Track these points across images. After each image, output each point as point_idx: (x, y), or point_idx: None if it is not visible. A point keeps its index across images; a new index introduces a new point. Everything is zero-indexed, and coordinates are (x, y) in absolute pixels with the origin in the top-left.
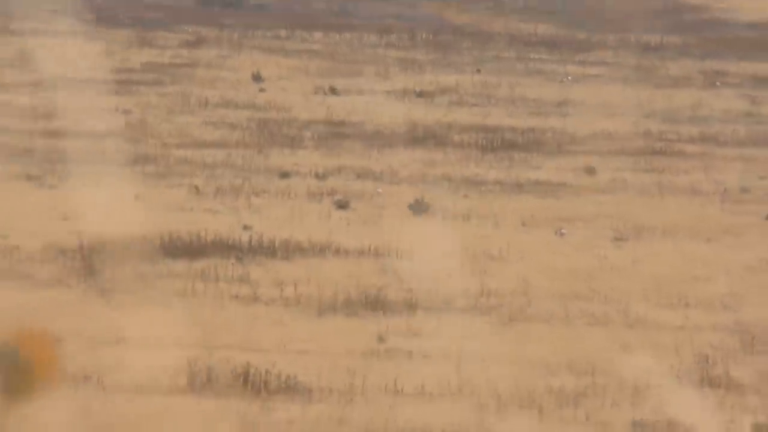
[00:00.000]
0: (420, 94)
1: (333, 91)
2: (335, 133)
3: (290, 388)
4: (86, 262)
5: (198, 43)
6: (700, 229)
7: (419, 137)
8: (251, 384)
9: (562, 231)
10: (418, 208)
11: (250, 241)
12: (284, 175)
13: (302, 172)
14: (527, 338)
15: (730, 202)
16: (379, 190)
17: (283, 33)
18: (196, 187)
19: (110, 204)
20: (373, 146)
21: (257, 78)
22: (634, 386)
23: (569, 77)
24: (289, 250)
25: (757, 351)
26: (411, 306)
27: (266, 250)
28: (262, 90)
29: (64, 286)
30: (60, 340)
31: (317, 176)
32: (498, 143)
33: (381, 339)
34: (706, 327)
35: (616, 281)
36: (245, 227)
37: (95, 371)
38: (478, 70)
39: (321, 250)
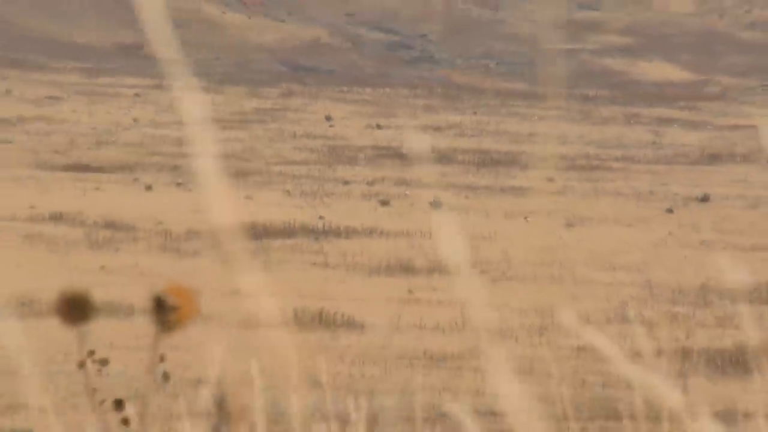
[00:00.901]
0: (437, 129)
1: (378, 126)
2: (380, 154)
3: (349, 324)
4: (213, 240)
5: (289, 94)
6: (622, 218)
7: (435, 157)
8: (324, 321)
9: (529, 219)
10: (435, 204)
11: (323, 226)
12: (345, 182)
13: (357, 181)
14: (508, 292)
15: (642, 200)
16: (407, 193)
17: (345, 88)
18: (288, 191)
19: (229, 202)
20: (404, 163)
21: (328, 118)
22: (578, 322)
23: (536, 117)
24: (349, 233)
25: (661, 300)
26: (430, 270)
27: (334, 232)
28: (331, 126)
29: (200, 257)
30: (196, 292)
31: (368, 183)
32: (488, 161)
33: (410, 291)
34: (627, 283)
35: (568, 253)
36: (320, 217)
37: (220, 313)
38: (475, 113)
39: (370, 232)
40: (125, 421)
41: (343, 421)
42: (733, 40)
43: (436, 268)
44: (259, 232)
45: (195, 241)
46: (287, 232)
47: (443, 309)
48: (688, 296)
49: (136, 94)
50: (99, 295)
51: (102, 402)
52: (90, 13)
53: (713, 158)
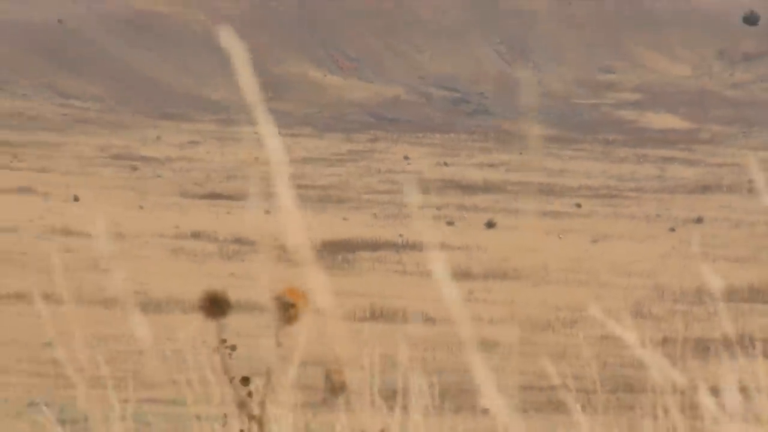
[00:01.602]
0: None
1: (445, 164)
2: (446, 186)
3: (427, 320)
4: (318, 252)
5: (375, 139)
6: (635, 235)
7: (489, 188)
8: (403, 315)
9: (561, 236)
10: (489, 224)
11: (402, 242)
12: (420, 207)
13: (429, 206)
14: (546, 293)
15: (651, 221)
16: (466, 216)
17: (419, 134)
18: (375, 214)
19: (330, 222)
20: (465, 192)
21: (406, 157)
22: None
23: (567, 156)
24: (422, 247)
25: (666, 299)
26: (486, 275)
27: (410, 246)
28: (408, 164)
29: (307, 265)
30: (306, 293)
31: (437, 208)
32: (530, 190)
33: (470, 292)
34: (639, 287)
35: (593, 263)
36: (400, 235)
37: (323, 309)
38: (520, 153)
39: (441, 247)
40: (249, 394)
41: (419, 393)
42: (720, 97)
43: (491, 275)
44: (352, 246)
45: (303, 253)
46: (374, 246)
47: (496, 306)
48: (687, 297)
49: (260, 140)
50: (231, 295)
51: (232, 378)
52: (221, 74)
53: (705, 189)
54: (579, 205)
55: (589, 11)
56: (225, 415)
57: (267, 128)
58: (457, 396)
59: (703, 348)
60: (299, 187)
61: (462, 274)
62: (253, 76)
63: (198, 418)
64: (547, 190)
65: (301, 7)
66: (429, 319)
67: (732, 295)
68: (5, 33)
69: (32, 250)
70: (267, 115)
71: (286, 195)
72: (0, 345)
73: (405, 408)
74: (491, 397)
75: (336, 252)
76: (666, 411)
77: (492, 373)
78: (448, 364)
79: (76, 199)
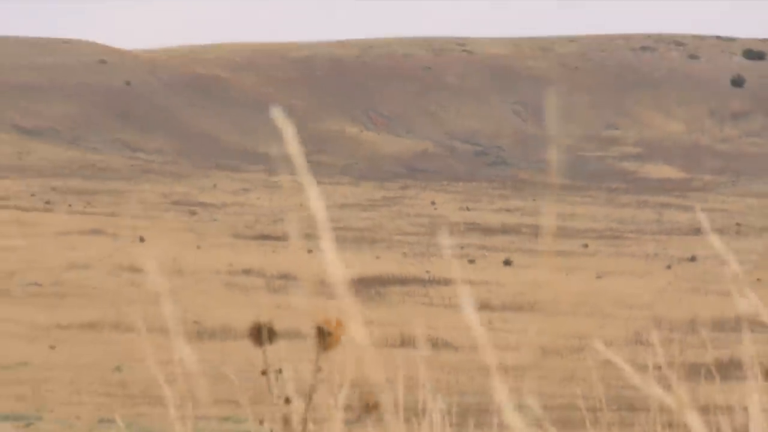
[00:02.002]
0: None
1: (467, 209)
2: (468, 228)
3: (447, 345)
4: (354, 286)
5: (406, 187)
6: (635, 272)
7: (507, 230)
8: (431, 343)
9: (569, 274)
10: (506, 263)
11: (429, 277)
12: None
13: (452, 246)
14: (556, 323)
15: (649, 260)
16: (486, 254)
17: (444, 183)
18: (404, 253)
19: (364, 260)
20: (485, 234)
21: (433, 203)
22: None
23: (576, 203)
24: (446, 282)
25: (662, 329)
26: (503, 307)
27: (436, 282)
28: (435, 208)
29: (343, 298)
30: (343, 323)
31: (460, 248)
32: (541, 232)
33: (490, 322)
34: (638, 318)
35: (597, 296)
36: (427, 271)
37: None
38: (534, 200)
39: (461, 281)
40: (292, 412)
41: (443, 412)
42: (711, 150)
43: (508, 307)
44: (384, 281)
45: (340, 288)
46: (403, 281)
47: (512, 334)
48: (681, 326)
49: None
50: (276, 325)
51: (278, 398)
52: (268, 130)
53: (697, 231)
54: (586, 246)
55: (594, 76)
56: (271, 431)
57: (309, 178)
58: (476, 415)
59: (695, 372)
60: (337, 229)
61: (482, 306)
62: (298, 133)
63: None
64: (558, 233)
65: (340, 73)
66: (452, 347)
67: (722, 325)
68: (81, 95)
69: (103, 284)
70: (309, 166)
71: (325, 236)
72: (73, 368)
73: (430, 425)
74: (511, 415)
75: (370, 286)
76: (663, 427)
77: (510, 394)
78: (469, 386)
79: (141, 239)
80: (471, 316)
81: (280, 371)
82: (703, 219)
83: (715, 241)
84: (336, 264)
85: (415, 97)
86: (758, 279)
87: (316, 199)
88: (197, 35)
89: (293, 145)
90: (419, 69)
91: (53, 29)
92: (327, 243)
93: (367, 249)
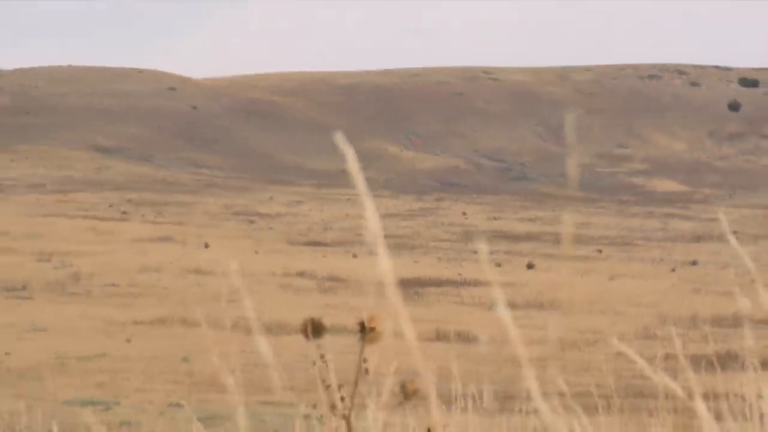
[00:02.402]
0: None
1: (495, 218)
2: (495, 235)
3: (477, 339)
4: (392, 288)
5: (440, 200)
6: (643, 275)
7: (529, 237)
8: (458, 336)
9: (584, 276)
10: (529, 266)
11: (461, 280)
12: (474, 252)
13: (481, 251)
14: (574, 320)
15: (655, 264)
16: (511, 259)
17: (474, 196)
18: (439, 258)
19: (405, 264)
20: (510, 240)
21: (464, 213)
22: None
23: (590, 213)
24: (476, 283)
25: (668, 325)
26: (527, 306)
27: (468, 283)
28: (466, 218)
29: (385, 297)
30: (384, 319)
31: (489, 253)
32: (560, 239)
33: (515, 319)
34: (646, 315)
35: (610, 296)
36: (459, 274)
37: (396, 332)
38: (553, 210)
39: (490, 283)
40: (341, 398)
41: (473, 398)
42: (710, 167)
43: (530, 305)
44: (421, 282)
45: (382, 288)
46: (438, 283)
47: (534, 330)
48: (684, 323)
49: (348, 199)
50: (326, 321)
51: (328, 386)
52: (319, 149)
53: (699, 238)
54: (599, 251)
55: (607, 101)
56: (322, 415)
57: (366, 193)
58: (503, 401)
59: (697, 363)
60: (381, 236)
61: (508, 305)
62: (341, 143)
63: (303, 416)
64: (575, 239)
65: (382, 98)
66: (482, 341)
67: (720, 321)
68: (152, 118)
69: (172, 285)
70: (355, 181)
71: (380, 243)
72: (146, 359)
73: (464, 409)
74: (538, 400)
75: (408, 287)
76: (667, 412)
77: (534, 383)
78: (496, 376)
79: (206, 246)
80: (504, 313)
81: (329, 362)
82: (725, 226)
83: (735, 244)
84: (388, 267)
85: (448, 120)
86: (752, 280)
87: (372, 210)
88: (254, 65)
89: (354, 165)
90: (452, 95)
91: (129, 60)
92: (381, 249)
93: (407, 254)
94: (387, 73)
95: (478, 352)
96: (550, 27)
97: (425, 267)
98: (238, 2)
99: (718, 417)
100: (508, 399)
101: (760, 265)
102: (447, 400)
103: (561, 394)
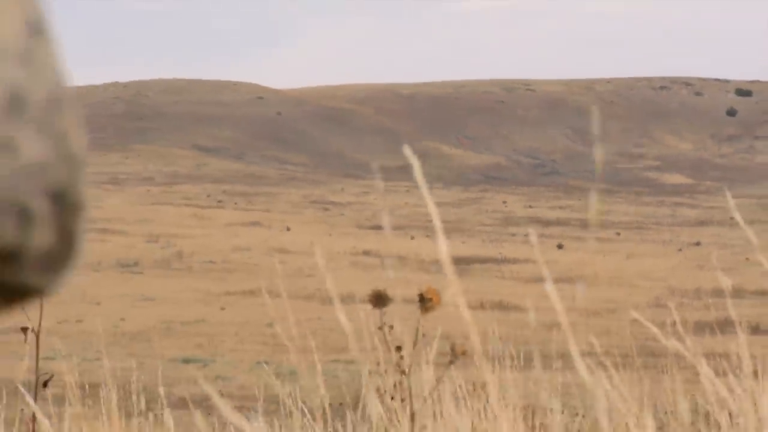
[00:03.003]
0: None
1: (530, 206)
2: (531, 220)
3: (515, 308)
4: (443, 264)
5: (483, 191)
6: (655, 254)
7: (558, 222)
8: (501, 306)
9: (606, 256)
10: (559, 246)
11: (501, 258)
12: (512, 234)
13: (519, 233)
14: (596, 292)
15: (665, 245)
16: (544, 240)
17: (513, 187)
18: (482, 240)
19: (455, 245)
20: (543, 224)
21: (504, 202)
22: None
23: (613, 201)
24: (515, 261)
25: (675, 296)
26: (557, 280)
27: (507, 261)
28: (505, 206)
29: (438, 273)
30: (438, 291)
31: (524, 235)
32: (585, 224)
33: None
34: (657, 288)
35: (626, 272)
36: (500, 253)
37: (446, 302)
38: (580, 200)
39: (525, 260)
40: (402, 357)
41: (513, 357)
42: (711, 163)
43: (560, 279)
44: (468, 260)
45: (436, 265)
46: (482, 260)
47: (563, 300)
48: (689, 294)
49: (407, 191)
50: (390, 292)
51: (391, 347)
52: (383, 149)
53: (702, 223)
54: (618, 234)
55: (625, 108)
56: (385, 371)
57: (411, 183)
58: (540, 359)
59: (700, 328)
60: (431, 221)
61: (541, 279)
62: (405, 150)
63: (369, 372)
64: (598, 224)
65: (436, 105)
66: (519, 309)
67: (719, 293)
68: (244, 123)
69: (260, 262)
70: (413, 175)
71: (438, 227)
72: (237, 324)
73: (503, 367)
74: (576, 358)
75: (458, 264)
76: (676, 369)
77: (560, 345)
78: (532, 339)
79: (288, 229)
80: (549, 286)
81: (392, 327)
82: (736, 214)
83: (745, 228)
84: (432, 248)
85: (491, 124)
86: (747, 258)
87: (419, 199)
88: (331, 76)
89: (417, 168)
90: (494, 103)
91: (226, 73)
92: (440, 232)
93: (456, 236)
94: (441, 84)
95: (516, 318)
96: (578, 45)
97: (471, 247)
98: (317, 22)
99: (718, 373)
100: (543, 358)
101: (755, 246)
102: (490, 359)
103: (590, 354)
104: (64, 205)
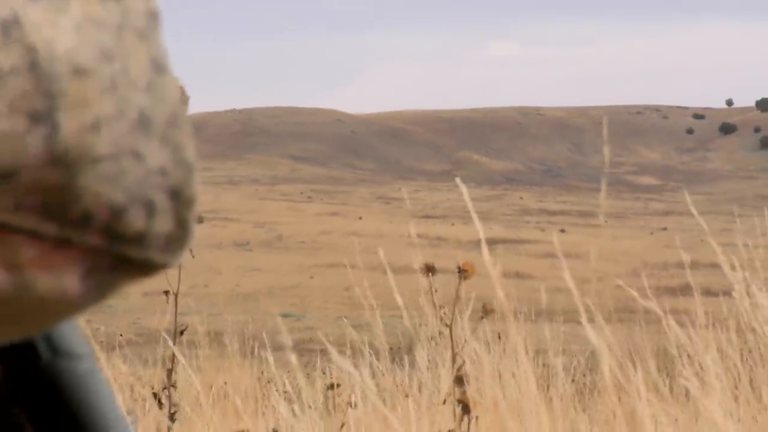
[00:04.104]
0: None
1: (540, 201)
2: (541, 212)
3: (528, 276)
4: (477, 244)
5: (504, 190)
6: (632, 237)
7: (560, 213)
8: (518, 275)
9: (598, 237)
10: (562, 231)
11: (518, 239)
12: (527, 221)
13: (543, 221)
14: (589, 266)
15: (640, 230)
16: (550, 226)
17: (528, 186)
18: (505, 226)
19: (484, 230)
20: (549, 215)
21: (521, 198)
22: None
23: (599, 196)
24: (529, 242)
25: (648, 267)
26: (567, 255)
27: (523, 241)
28: (522, 200)
29: (474, 251)
30: (473, 264)
31: (536, 222)
32: (584, 214)
33: (552, 264)
34: (634, 262)
35: (611, 251)
36: (518, 236)
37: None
38: (577, 197)
39: (537, 241)
40: (444, 313)
41: (527, 313)
42: (675, 169)
43: (569, 255)
44: (494, 241)
45: (473, 245)
46: (504, 241)
47: (576, 271)
48: (658, 266)
49: (449, 189)
50: (436, 265)
51: (436, 306)
52: (430, 158)
53: (668, 213)
54: (606, 221)
55: (610, 128)
56: (427, 323)
57: (453, 183)
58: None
59: (667, 292)
60: (466, 212)
61: (548, 255)
62: (446, 159)
63: (419, 325)
64: (589, 214)
65: (471, 126)
66: (531, 277)
67: (681, 265)
68: (326, 139)
69: (339, 242)
70: (452, 178)
71: (461, 216)
72: (322, 289)
73: (519, 321)
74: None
75: (489, 244)
76: (647, 323)
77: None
78: (542, 300)
79: (360, 218)
80: (563, 263)
81: (437, 290)
82: (692, 207)
83: (699, 218)
84: (467, 232)
85: (511, 139)
86: (702, 240)
87: (458, 194)
88: (391, 103)
89: (462, 184)
90: (514, 124)
91: (314, 100)
92: (476, 219)
93: (484, 223)
94: (473, 110)
95: (529, 285)
96: (576, 81)
97: (496, 231)
98: (382, 62)
99: (681, 325)
100: (551, 313)
101: (707, 231)
102: (514, 315)
103: (586, 311)
104: (180, 200)
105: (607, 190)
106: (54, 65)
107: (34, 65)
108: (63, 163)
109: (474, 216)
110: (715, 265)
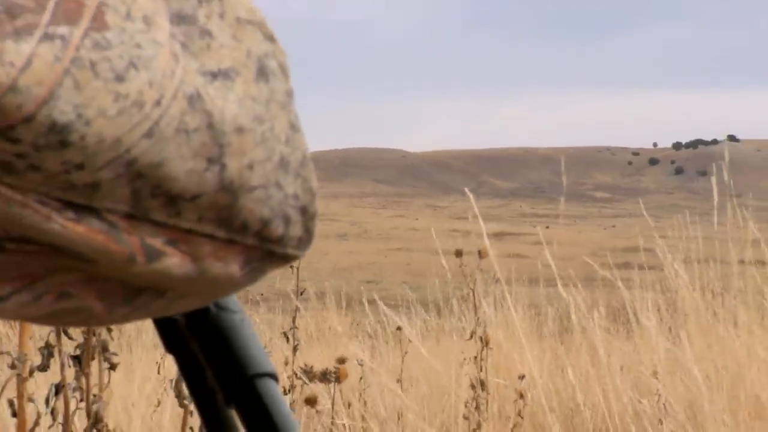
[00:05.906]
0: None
1: (532, 207)
2: (533, 215)
3: (525, 257)
4: (488, 237)
5: (509, 201)
6: (595, 230)
7: (551, 220)
8: (518, 255)
9: (582, 233)
10: (547, 227)
11: (518, 232)
12: (524, 221)
13: (527, 220)
14: (568, 252)
15: (600, 225)
16: (538, 223)
17: (529, 200)
18: (508, 223)
19: (494, 227)
20: (549, 222)
21: (520, 206)
22: (583, 256)
23: (571, 206)
24: (526, 234)
25: (605, 251)
26: (551, 243)
27: (522, 234)
28: (520, 207)
29: (482, 240)
30: (487, 249)
31: (530, 220)
32: (567, 218)
33: (539, 252)
34: (596, 246)
35: (581, 239)
36: (517, 230)
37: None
38: (564, 207)
39: (530, 234)
40: (470, 280)
41: (525, 281)
42: (621, 187)
43: (550, 242)
44: (501, 234)
45: (489, 237)
46: (508, 234)
47: (555, 253)
48: (617, 250)
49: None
50: (463, 249)
51: (464, 276)
52: (463, 183)
53: (616, 216)
54: (575, 221)
55: (579, 163)
56: (460, 286)
57: (481, 198)
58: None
59: (618, 266)
60: (486, 214)
61: (537, 243)
62: (467, 184)
63: (453, 287)
64: (563, 216)
65: (489, 161)
66: (525, 257)
67: (628, 249)
68: (394, 167)
69: (403, 235)
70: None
71: (485, 217)
72: (393, 264)
73: (518, 285)
74: (559, 281)
75: (497, 235)
76: (604, 287)
77: (548, 275)
78: (535, 271)
79: (416, 219)
80: (546, 248)
81: (465, 265)
82: (645, 212)
83: (645, 213)
84: (484, 229)
85: (514, 171)
86: (640, 232)
87: (474, 202)
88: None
89: (471, 195)
90: (517, 158)
91: (385, 142)
92: (480, 220)
93: (495, 222)
94: (491, 149)
95: (526, 262)
96: (558, 129)
97: (504, 227)
98: (431, 114)
99: (628, 288)
100: (538, 281)
101: (650, 227)
102: (513, 282)
103: (561, 279)
104: (307, 215)
105: (573, 201)
106: (223, 126)
107: (210, 125)
108: (229, 190)
109: (479, 217)
110: (649, 249)
